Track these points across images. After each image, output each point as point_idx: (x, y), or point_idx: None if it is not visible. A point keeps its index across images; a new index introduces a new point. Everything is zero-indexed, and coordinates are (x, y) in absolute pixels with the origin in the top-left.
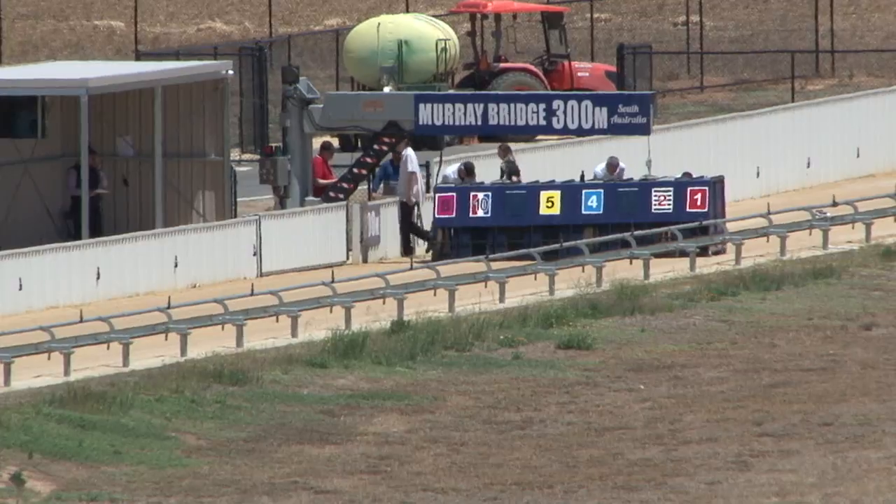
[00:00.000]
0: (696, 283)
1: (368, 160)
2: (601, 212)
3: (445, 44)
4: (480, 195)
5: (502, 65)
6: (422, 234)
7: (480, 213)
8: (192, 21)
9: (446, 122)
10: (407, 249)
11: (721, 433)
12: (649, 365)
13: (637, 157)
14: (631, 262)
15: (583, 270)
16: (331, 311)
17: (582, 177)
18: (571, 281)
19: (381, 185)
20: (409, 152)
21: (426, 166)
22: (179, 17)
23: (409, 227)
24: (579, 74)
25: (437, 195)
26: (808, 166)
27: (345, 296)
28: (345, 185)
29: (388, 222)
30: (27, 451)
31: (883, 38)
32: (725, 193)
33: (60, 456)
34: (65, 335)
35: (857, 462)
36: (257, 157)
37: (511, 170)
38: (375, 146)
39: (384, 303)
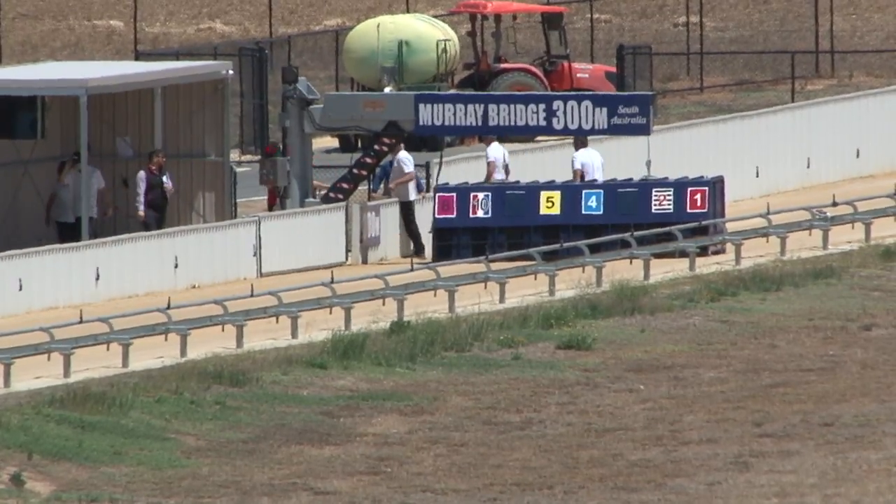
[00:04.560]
0: (695, 283)
1: (368, 160)
2: (601, 212)
3: (445, 44)
4: (480, 195)
5: (502, 65)
6: (417, 237)
7: (480, 213)
8: (191, 21)
9: (446, 123)
10: (418, 248)
11: (721, 434)
12: (649, 365)
13: (637, 157)
14: (631, 263)
15: (583, 271)
16: (330, 312)
17: (583, 177)
18: (571, 281)
19: (381, 186)
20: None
21: (426, 167)
22: (179, 18)
23: (409, 227)
24: (579, 75)
25: (436, 195)
26: (808, 166)
27: (345, 297)
28: (344, 186)
29: (388, 223)
30: (27, 452)
31: (883, 38)
32: (725, 193)
33: (60, 457)
34: (65, 336)
35: (857, 463)
36: (257, 157)
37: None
38: (375, 146)
39: (384, 303)
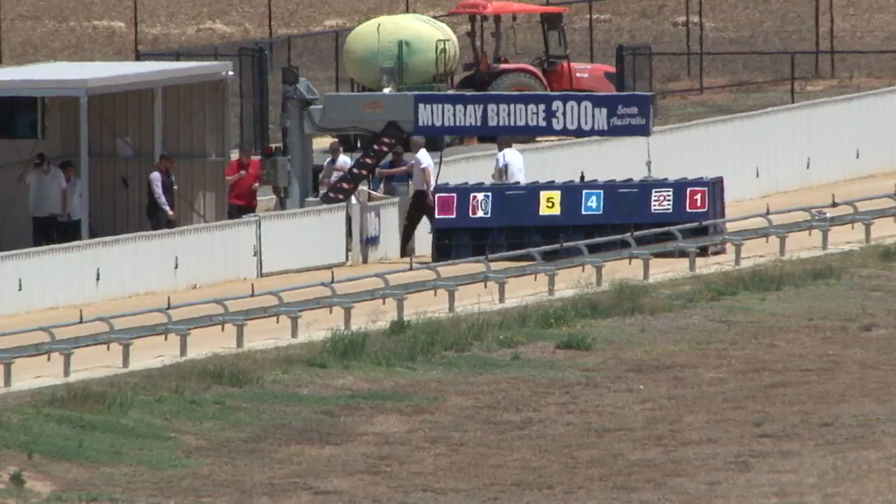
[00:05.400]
0: (695, 283)
1: (368, 161)
2: (601, 212)
3: (445, 45)
4: (480, 196)
5: (502, 66)
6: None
7: (480, 213)
8: (192, 22)
9: (446, 123)
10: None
11: (721, 434)
12: (649, 365)
13: (637, 158)
14: (630, 263)
15: (583, 270)
16: (331, 312)
17: (582, 177)
18: (571, 281)
19: (381, 186)
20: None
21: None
22: (179, 18)
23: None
24: (579, 75)
25: (436, 196)
26: (808, 167)
27: (345, 296)
28: (345, 186)
29: (388, 223)
30: (27, 452)
31: (883, 38)
32: (725, 194)
33: (60, 456)
34: (65, 336)
35: (856, 462)
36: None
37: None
38: (375, 147)
39: (384, 303)
